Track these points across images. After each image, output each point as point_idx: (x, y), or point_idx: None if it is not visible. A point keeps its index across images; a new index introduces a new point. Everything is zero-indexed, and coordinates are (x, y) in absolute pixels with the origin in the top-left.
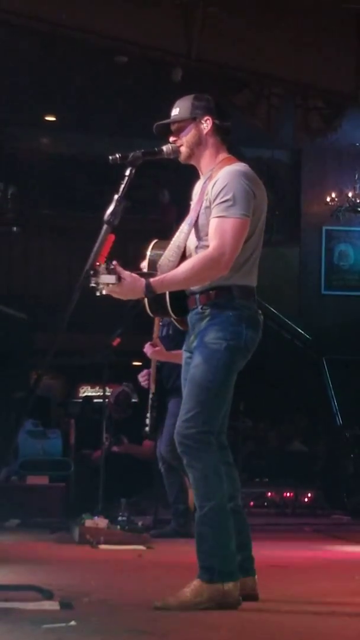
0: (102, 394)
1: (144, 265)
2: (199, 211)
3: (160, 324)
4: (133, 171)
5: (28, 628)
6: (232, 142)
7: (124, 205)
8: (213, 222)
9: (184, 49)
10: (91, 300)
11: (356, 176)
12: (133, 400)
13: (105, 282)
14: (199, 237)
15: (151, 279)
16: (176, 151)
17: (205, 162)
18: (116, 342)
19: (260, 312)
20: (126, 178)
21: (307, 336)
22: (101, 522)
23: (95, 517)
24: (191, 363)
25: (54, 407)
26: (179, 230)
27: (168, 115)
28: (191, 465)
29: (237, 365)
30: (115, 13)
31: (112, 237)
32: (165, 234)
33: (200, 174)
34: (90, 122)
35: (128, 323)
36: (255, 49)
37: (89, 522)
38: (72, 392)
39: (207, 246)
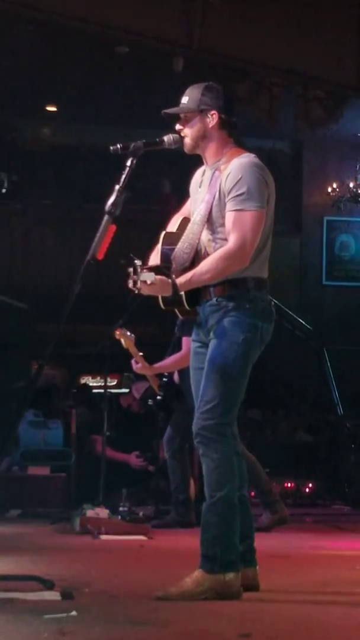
0: (103, 384)
1: (156, 257)
2: (212, 203)
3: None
4: (134, 161)
5: (29, 618)
6: (238, 135)
7: (125, 196)
8: (230, 216)
9: (185, 39)
10: (92, 290)
11: (357, 167)
12: (158, 397)
13: (145, 280)
14: (213, 230)
15: (177, 280)
16: (178, 141)
17: (210, 155)
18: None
19: (273, 303)
20: (127, 168)
21: (308, 327)
22: (102, 512)
23: (96, 508)
24: (208, 355)
25: (55, 397)
26: (191, 222)
27: (170, 105)
28: (207, 455)
29: (253, 357)
30: (116, 3)
31: (113, 228)
32: (166, 224)
33: (206, 164)
34: (91, 112)
35: (130, 313)
36: (256, 38)
37: (90, 513)
38: (74, 382)
39: (222, 239)
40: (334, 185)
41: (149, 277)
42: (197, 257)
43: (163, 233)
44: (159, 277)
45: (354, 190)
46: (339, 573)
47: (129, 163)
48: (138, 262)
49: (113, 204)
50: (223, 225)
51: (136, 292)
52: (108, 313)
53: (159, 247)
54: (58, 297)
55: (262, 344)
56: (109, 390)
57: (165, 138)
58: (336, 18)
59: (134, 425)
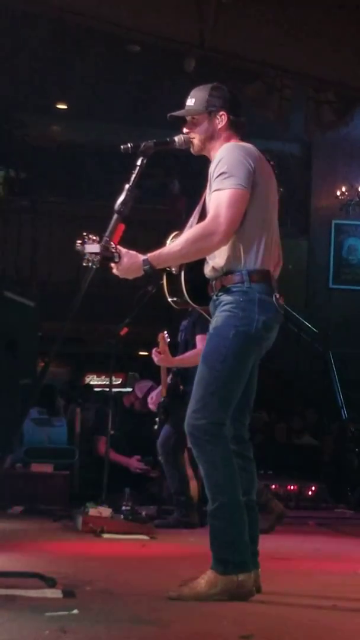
0: (108, 382)
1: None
2: (206, 193)
3: (181, 329)
4: (144, 161)
5: (30, 616)
6: (245, 135)
7: (135, 195)
8: (211, 197)
9: (197, 39)
10: (100, 289)
11: None
12: (163, 397)
13: (89, 252)
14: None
15: (149, 254)
16: (188, 142)
17: (214, 154)
18: (124, 331)
19: (277, 296)
20: (137, 168)
21: (314, 329)
22: (105, 511)
23: (99, 506)
24: (202, 352)
25: (59, 395)
26: (192, 216)
27: (182, 105)
28: (201, 458)
29: (250, 353)
30: (128, 2)
31: (122, 227)
32: (175, 224)
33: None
34: (101, 111)
35: (136, 313)
36: (268, 40)
37: (92, 511)
38: (79, 380)
39: None
40: (343, 189)
41: (93, 248)
42: None
43: (173, 234)
44: (127, 252)
45: None
46: (341, 577)
47: (139, 162)
48: (89, 235)
49: (123, 203)
50: None
51: (89, 265)
52: (114, 312)
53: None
54: (65, 295)
55: (261, 338)
56: (113, 389)
57: (176, 138)
58: (349, 20)
59: (136, 424)
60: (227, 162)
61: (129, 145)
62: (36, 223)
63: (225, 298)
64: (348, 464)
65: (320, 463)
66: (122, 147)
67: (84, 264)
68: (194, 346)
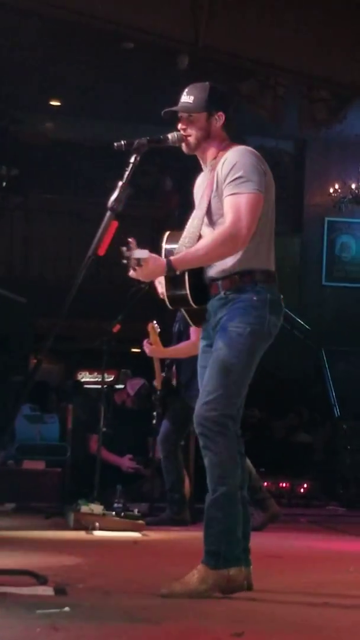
0: (100, 379)
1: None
2: (210, 196)
3: (176, 320)
4: (138, 158)
5: (22, 613)
6: (235, 131)
7: (128, 192)
8: (227, 201)
9: (191, 36)
10: (92, 286)
11: None
12: (158, 390)
13: (137, 257)
14: (213, 222)
15: (171, 257)
16: (182, 139)
17: (210, 154)
18: (116, 328)
19: (282, 296)
20: (131, 165)
21: (307, 327)
22: (97, 508)
23: (91, 503)
24: (214, 345)
25: (51, 392)
26: (192, 217)
27: (176, 102)
28: (208, 448)
29: (260, 350)
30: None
31: (115, 224)
32: (168, 221)
33: (203, 165)
34: (95, 108)
35: (128, 310)
36: (262, 38)
37: (84, 508)
38: (71, 377)
39: None
40: (336, 186)
41: (142, 253)
42: None
43: (167, 233)
44: (151, 255)
45: (356, 191)
46: (332, 574)
47: (132, 159)
48: (132, 240)
49: (116, 200)
50: (223, 216)
51: (131, 271)
52: (107, 309)
53: (162, 245)
54: (57, 292)
55: (269, 337)
56: (105, 385)
57: (170, 135)
58: (342, 20)
59: (127, 421)
60: (242, 167)
61: (123, 142)
62: (29, 220)
63: (236, 297)
64: (340, 462)
65: (312, 460)
66: (115, 144)
67: (131, 270)
68: (188, 337)
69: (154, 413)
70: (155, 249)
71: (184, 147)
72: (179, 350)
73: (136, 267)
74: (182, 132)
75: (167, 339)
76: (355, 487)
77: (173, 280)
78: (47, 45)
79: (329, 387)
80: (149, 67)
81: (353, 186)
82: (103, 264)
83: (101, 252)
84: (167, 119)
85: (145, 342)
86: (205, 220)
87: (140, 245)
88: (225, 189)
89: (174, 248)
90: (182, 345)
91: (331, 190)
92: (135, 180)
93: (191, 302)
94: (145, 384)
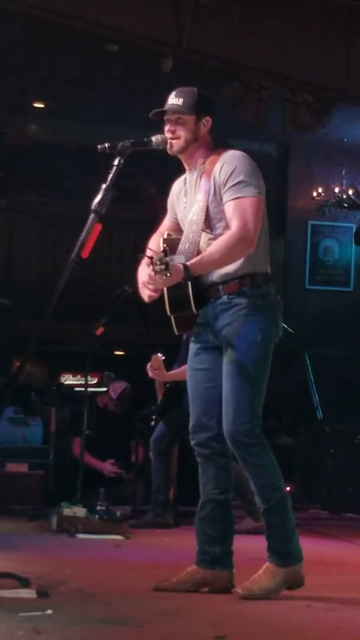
0: (83, 382)
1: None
2: (208, 200)
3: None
4: (122, 161)
5: (4, 616)
6: (219, 134)
7: (112, 195)
8: (230, 205)
9: (175, 39)
10: (75, 288)
11: (343, 172)
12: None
13: (178, 262)
14: (211, 228)
15: (188, 262)
16: (165, 142)
17: (195, 158)
18: (99, 331)
19: (279, 296)
20: (114, 168)
21: (290, 330)
22: (79, 511)
23: (74, 506)
24: (227, 357)
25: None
26: (189, 222)
27: (160, 104)
28: (248, 461)
29: (271, 353)
30: (106, 1)
31: (99, 227)
32: (151, 224)
33: (187, 168)
34: (78, 110)
35: (112, 312)
36: (246, 41)
37: (67, 511)
38: (54, 380)
39: (222, 234)
40: (320, 190)
41: (180, 259)
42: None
43: (161, 239)
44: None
45: (339, 195)
46: (315, 577)
47: (116, 162)
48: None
49: (99, 202)
50: (221, 220)
51: (166, 276)
52: (90, 311)
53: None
54: (41, 294)
55: (278, 337)
56: (89, 388)
57: (153, 138)
58: (326, 23)
59: (110, 425)
60: (242, 171)
61: (106, 145)
62: (12, 222)
63: (241, 301)
64: (323, 465)
65: (294, 464)
66: (99, 146)
67: (164, 277)
68: None
69: (153, 417)
70: (138, 250)
71: (168, 148)
72: (182, 374)
73: (166, 274)
74: (169, 133)
75: (148, 344)
76: (338, 490)
77: (175, 286)
78: (30, 48)
79: (311, 390)
80: (133, 70)
81: (336, 190)
82: (86, 266)
83: (85, 254)
84: (154, 120)
85: (148, 365)
86: (203, 225)
87: (125, 247)
88: (226, 194)
89: (172, 253)
90: (183, 369)
91: (315, 194)
92: (119, 183)
93: (193, 308)
94: (128, 387)
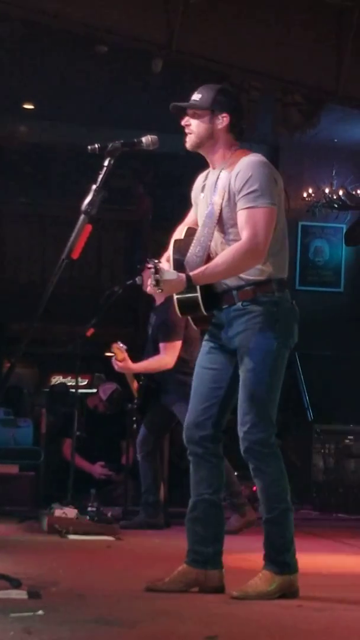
0: (74, 383)
1: (168, 265)
2: (222, 205)
3: (151, 321)
4: (112, 162)
5: None
6: (243, 138)
7: (102, 196)
8: (243, 214)
9: (165, 40)
10: (65, 290)
11: (333, 172)
12: (136, 400)
13: (168, 279)
14: (224, 232)
15: (191, 272)
16: (155, 143)
17: (217, 157)
18: (90, 332)
19: (294, 301)
20: (105, 168)
21: None
22: (70, 512)
23: (65, 507)
24: (243, 365)
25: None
26: (201, 225)
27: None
28: (261, 470)
29: (286, 360)
30: (96, 2)
31: (89, 227)
32: (140, 225)
33: (212, 166)
34: (68, 111)
35: (102, 314)
36: (236, 42)
37: (58, 512)
38: (44, 381)
39: (234, 240)
40: (310, 191)
41: (171, 275)
42: (210, 260)
43: (172, 241)
44: (177, 274)
45: (330, 196)
46: (305, 578)
47: (106, 163)
48: (156, 261)
49: (90, 203)
50: (234, 226)
51: (159, 291)
52: (80, 313)
53: (169, 255)
54: (31, 296)
55: (293, 344)
56: (79, 390)
57: (144, 139)
58: (316, 24)
59: (100, 426)
60: (258, 180)
61: (96, 145)
62: (2, 223)
63: (256, 309)
64: (313, 466)
65: (284, 464)
66: (89, 147)
67: (157, 291)
68: (159, 351)
69: (134, 418)
70: (129, 251)
71: (186, 142)
72: (150, 365)
73: (160, 290)
74: (186, 128)
75: (139, 345)
76: (328, 490)
77: (184, 291)
78: (19, 48)
79: (302, 390)
80: (123, 71)
81: (327, 191)
82: (77, 267)
83: (75, 255)
84: (175, 113)
85: (113, 359)
86: (217, 227)
87: (116, 249)
88: (240, 202)
89: (184, 256)
90: (153, 360)
91: (305, 195)
92: (109, 184)
93: (202, 310)
94: (118, 389)
